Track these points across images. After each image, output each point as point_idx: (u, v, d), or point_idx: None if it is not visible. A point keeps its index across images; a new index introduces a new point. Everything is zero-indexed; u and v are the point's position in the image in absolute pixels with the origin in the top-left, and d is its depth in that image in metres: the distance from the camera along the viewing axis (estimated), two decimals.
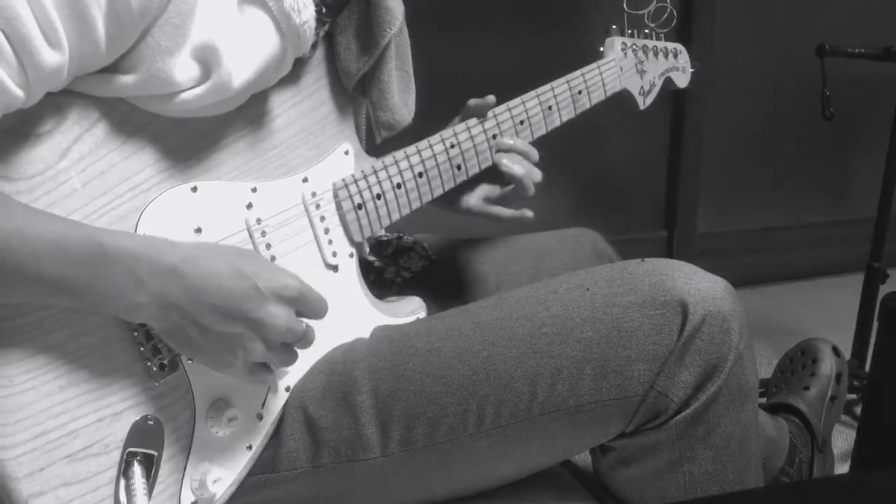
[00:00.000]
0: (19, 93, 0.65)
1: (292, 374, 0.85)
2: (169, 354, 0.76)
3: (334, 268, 0.90)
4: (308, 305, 0.76)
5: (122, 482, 0.73)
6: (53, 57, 0.66)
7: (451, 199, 1.01)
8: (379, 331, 0.90)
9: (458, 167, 0.97)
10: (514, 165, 0.97)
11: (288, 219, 0.85)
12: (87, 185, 0.72)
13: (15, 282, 0.65)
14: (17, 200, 0.67)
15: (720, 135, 2.17)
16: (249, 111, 0.82)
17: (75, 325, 0.71)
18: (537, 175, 0.99)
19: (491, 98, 0.99)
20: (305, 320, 0.77)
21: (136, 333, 0.74)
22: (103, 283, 0.67)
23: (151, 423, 0.75)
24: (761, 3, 2.11)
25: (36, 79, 0.66)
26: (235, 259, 0.73)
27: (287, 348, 0.77)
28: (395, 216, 0.93)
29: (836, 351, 1.34)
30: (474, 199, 1.02)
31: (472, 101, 0.99)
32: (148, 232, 0.75)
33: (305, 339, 0.77)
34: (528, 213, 1.01)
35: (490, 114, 0.99)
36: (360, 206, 0.90)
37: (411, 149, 0.94)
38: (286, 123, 0.86)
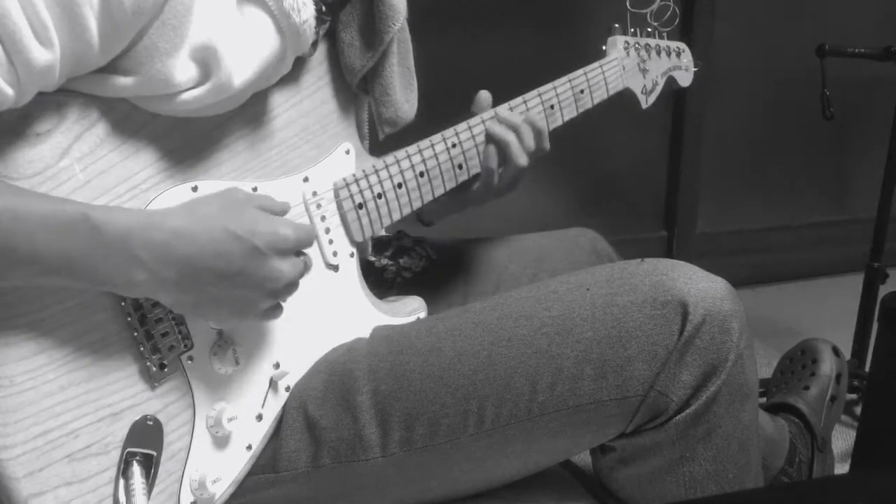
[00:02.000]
0: (9, 91, 0.65)
1: (292, 375, 0.85)
2: (169, 354, 0.76)
3: (335, 267, 0.90)
4: (303, 244, 0.78)
5: (122, 482, 0.73)
6: (44, 55, 0.65)
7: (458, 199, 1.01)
8: (379, 331, 0.90)
9: (460, 166, 0.97)
10: (505, 131, 0.96)
11: None
12: (88, 184, 0.71)
13: (10, 262, 0.65)
14: (8, 182, 0.67)
15: (720, 135, 2.17)
16: (250, 111, 0.82)
17: (75, 324, 0.71)
18: (529, 142, 0.97)
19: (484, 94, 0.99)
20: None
21: (136, 333, 0.74)
22: (98, 260, 0.67)
23: (151, 423, 0.75)
24: (761, 3, 2.11)
25: (26, 77, 0.65)
26: (228, 221, 0.72)
27: (291, 284, 0.78)
28: (396, 216, 0.93)
29: (836, 351, 1.34)
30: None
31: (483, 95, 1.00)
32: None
33: (307, 270, 0.79)
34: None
35: (491, 113, 0.99)
36: (360, 206, 0.90)
37: (412, 148, 0.94)
38: (287, 123, 0.86)
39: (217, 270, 0.71)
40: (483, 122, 0.98)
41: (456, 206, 1.04)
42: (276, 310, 0.79)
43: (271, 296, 0.75)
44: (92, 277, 0.68)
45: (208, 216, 0.73)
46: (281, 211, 0.79)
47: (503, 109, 0.99)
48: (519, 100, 1.01)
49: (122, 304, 0.73)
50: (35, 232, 0.64)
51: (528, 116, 0.99)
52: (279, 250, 0.74)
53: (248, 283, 0.73)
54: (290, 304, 0.80)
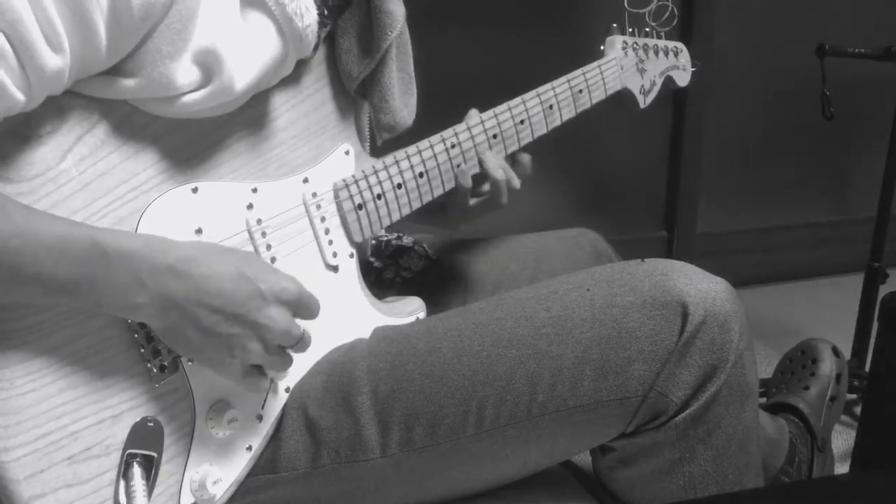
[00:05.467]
0: (20, 96, 0.65)
1: (292, 375, 0.85)
2: (169, 356, 0.76)
3: (334, 268, 0.90)
4: (304, 307, 0.77)
5: (122, 484, 0.73)
6: (55, 60, 0.65)
7: (436, 219, 1.02)
8: (379, 331, 0.90)
9: (459, 167, 0.97)
10: (497, 170, 0.97)
11: (288, 219, 0.85)
12: (88, 186, 0.72)
13: (14, 282, 0.65)
14: (16, 201, 0.67)
15: (720, 135, 2.17)
16: (250, 112, 0.82)
17: (75, 327, 0.71)
18: (515, 182, 0.99)
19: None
20: (302, 324, 0.77)
21: (136, 335, 0.74)
22: (103, 284, 0.67)
23: (151, 424, 0.75)
24: (761, 3, 2.11)
25: (37, 82, 0.65)
26: (236, 260, 0.74)
27: (283, 352, 0.77)
28: (396, 216, 0.93)
29: (836, 351, 1.34)
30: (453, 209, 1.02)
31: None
32: (149, 233, 0.75)
33: (303, 343, 0.77)
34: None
35: (490, 113, 0.99)
36: (360, 207, 0.90)
37: (412, 148, 0.94)
38: (287, 124, 0.86)
39: (215, 305, 0.71)
40: (482, 122, 0.98)
41: (426, 225, 1.04)
42: (259, 376, 0.78)
43: (260, 345, 0.74)
44: (95, 299, 0.68)
45: (218, 252, 0.74)
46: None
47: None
48: (518, 100, 1.01)
49: None
50: (42, 256, 0.64)
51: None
52: (280, 300, 0.74)
53: (241, 324, 0.72)
54: None
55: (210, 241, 0.78)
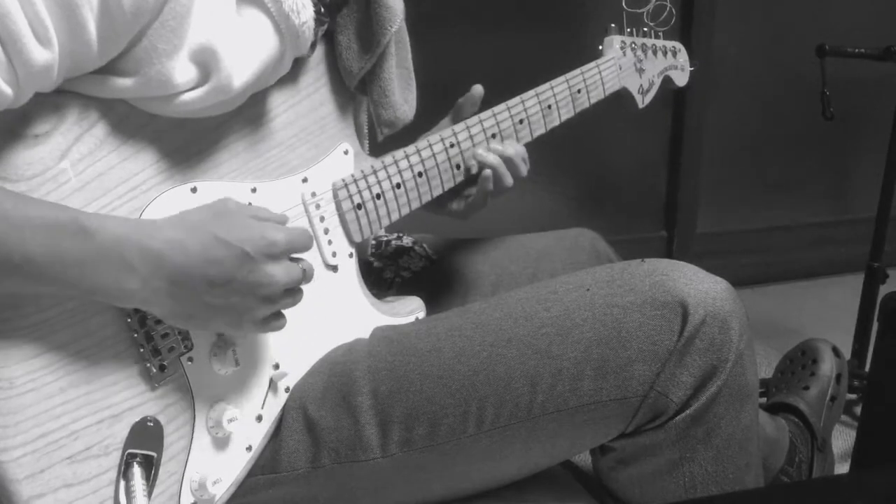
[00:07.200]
0: (8, 90, 0.65)
1: (292, 375, 0.85)
2: (169, 356, 0.76)
3: (334, 268, 0.90)
4: (297, 248, 0.76)
5: (122, 483, 0.73)
6: (43, 55, 0.65)
7: (441, 203, 1.02)
8: (379, 331, 0.90)
9: (458, 166, 0.97)
10: (487, 155, 0.97)
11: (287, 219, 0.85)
12: (87, 186, 0.71)
13: (4, 269, 0.65)
14: (5, 189, 0.67)
15: (720, 135, 2.17)
16: (249, 111, 0.82)
17: (76, 326, 0.71)
18: (521, 168, 0.99)
19: (476, 88, 0.98)
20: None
21: (136, 335, 0.74)
22: (92, 266, 0.67)
23: (151, 424, 0.75)
24: (761, 4, 2.11)
25: (25, 76, 0.65)
26: (218, 228, 0.72)
27: (291, 292, 0.77)
28: (395, 216, 0.93)
29: (836, 351, 1.34)
30: (458, 202, 1.02)
31: (461, 99, 1.00)
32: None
33: (306, 278, 0.77)
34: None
35: (489, 113, 0.99)
36: (359, 206, 0.90)
37: (411, 148, 0.95)
38: (285, 124, 0.86)
39: (208, 278, 0.71)
40: (481, 122, 0.98)
41: (438, 214, 1.04)
42: (276, 319, 0.78)
43: (267, 302, 0.74)
44: (85, 285, 0.68)
45: (199, 224, 0.73)
46: (276, 219, 0.77)
47: (492, 145, 0.99)
48: (517, 100, 1.01)
49: None
50: (29, 239, 0.64)
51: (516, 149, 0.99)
52: (270, 255, 0.73)
53: (240, 290, 0.72)
54: None
55: (192, 211, 0.75)
